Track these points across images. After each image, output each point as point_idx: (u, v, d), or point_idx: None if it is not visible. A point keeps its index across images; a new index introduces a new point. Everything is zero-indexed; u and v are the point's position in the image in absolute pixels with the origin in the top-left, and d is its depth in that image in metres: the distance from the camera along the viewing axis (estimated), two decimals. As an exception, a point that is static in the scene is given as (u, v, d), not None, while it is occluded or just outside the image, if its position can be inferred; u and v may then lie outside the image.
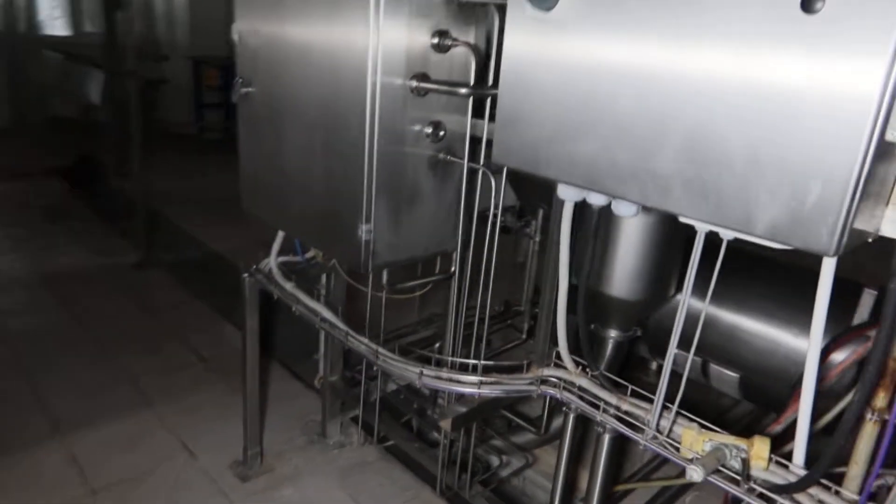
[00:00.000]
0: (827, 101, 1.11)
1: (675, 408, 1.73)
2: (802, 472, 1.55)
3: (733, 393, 2.55)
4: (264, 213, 2.53)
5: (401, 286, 2.36)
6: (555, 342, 2.01)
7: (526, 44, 1.57)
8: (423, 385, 2.02)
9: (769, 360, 2.32)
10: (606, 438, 1.95)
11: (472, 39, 2.04)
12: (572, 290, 1.91)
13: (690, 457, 1.68)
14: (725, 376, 2.48)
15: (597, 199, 1.66)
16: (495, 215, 2.17)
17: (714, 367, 2.51)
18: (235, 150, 2.49)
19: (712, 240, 1.47)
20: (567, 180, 1.59)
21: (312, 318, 2.42)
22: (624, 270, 1.98)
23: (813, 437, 1.57)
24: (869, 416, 1.55)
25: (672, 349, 1.71)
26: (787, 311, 2.26)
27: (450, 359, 2.15)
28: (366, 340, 2.21)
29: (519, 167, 1.68)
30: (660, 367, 1.96)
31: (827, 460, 1.44)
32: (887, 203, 1.27)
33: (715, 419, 1.81)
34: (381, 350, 2.13)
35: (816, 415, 1.90)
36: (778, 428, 1.97)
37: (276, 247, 2.67)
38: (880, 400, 1.53)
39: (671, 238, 1.95)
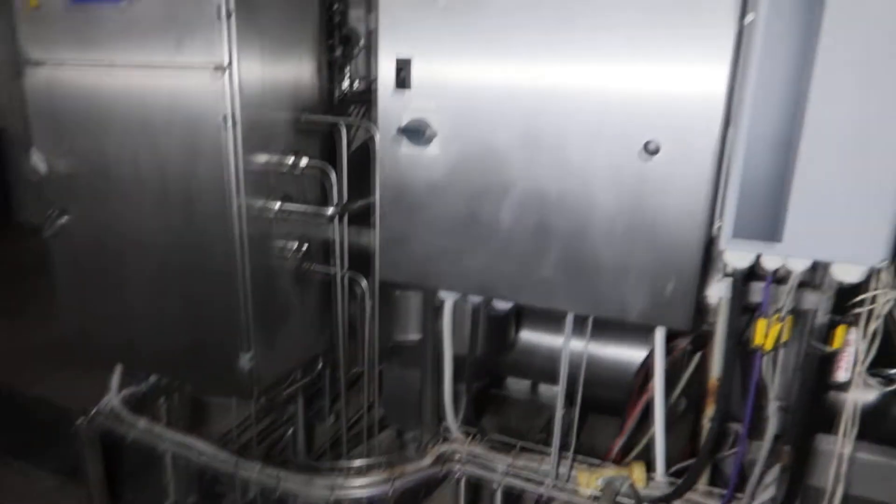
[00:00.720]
0: (672, 226, 1.46)
1: (571, 454, 2.01)
2: (666, 481, 1.94)
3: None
4: (100, 353, 2.29)
5: (274, 397, 2.33)
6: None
7: (404, 173, 1.71)
8: (335, 498, 2.04)
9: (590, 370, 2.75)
10: (499, 492, 2.18)
11: (317, 157, 2.11)
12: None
13: (589, 495, 1.98)
14: (552, 392, 2.87)
15: (477, 299, 1.87)
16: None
17: (542, 386, 2.89)
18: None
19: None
20: (460, 291, 1.77)
21: (186, 454, 2.26)
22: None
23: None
24: (706, 423, 1.99)
25: (561, 401, 1.98)
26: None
27: (342, 465, 2.18)
28: (258, 467, 2.14)
29: (408, 282, 1.82)
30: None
31: (694, 476, 1.84)
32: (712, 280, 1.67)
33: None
34: (283, 474, 2.09)
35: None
36: (622, 440, 2.39)
37: (115, 382, 2.42)
38: (709, 410, 1.98)
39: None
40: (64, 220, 2.15)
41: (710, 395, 1.97)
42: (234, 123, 1.79)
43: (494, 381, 2.89)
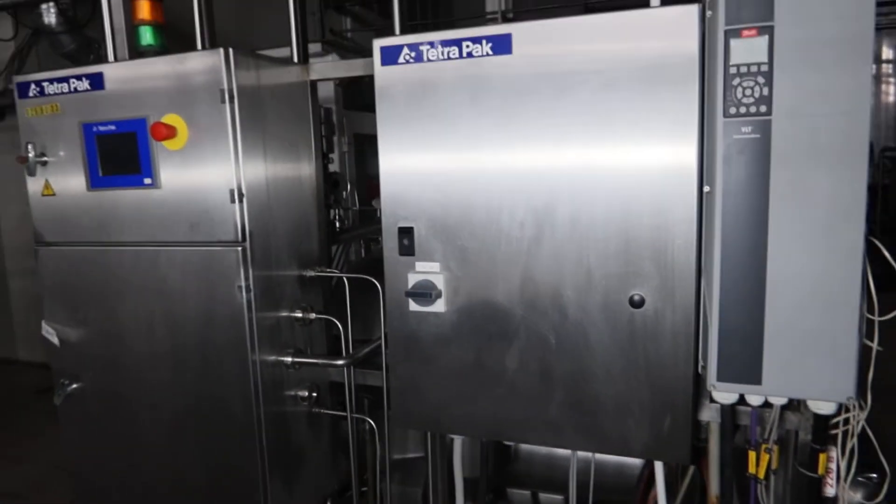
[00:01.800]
0: (663, 364, 1.63)
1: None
2: None
3: None
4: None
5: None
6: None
7: (412, 329, 1.86)
8: None
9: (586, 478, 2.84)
10: None
11: (320, 307, 2.25)
12: None
13: None
14: (552, 500, 2.94)
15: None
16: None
17: (542, 496, 2.95)
18: None
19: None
20: (471, 435, 1.89)
21: None
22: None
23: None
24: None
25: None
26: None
27: None
28: None
29: (420, 428, 1.93)
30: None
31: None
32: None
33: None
34: None
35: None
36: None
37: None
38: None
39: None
40: (74, 386, 2.22)
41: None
42: (249, 289, 1.93)
43: (496, 493, 2.95)
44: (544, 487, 2.80)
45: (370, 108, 1.85)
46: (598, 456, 2.52)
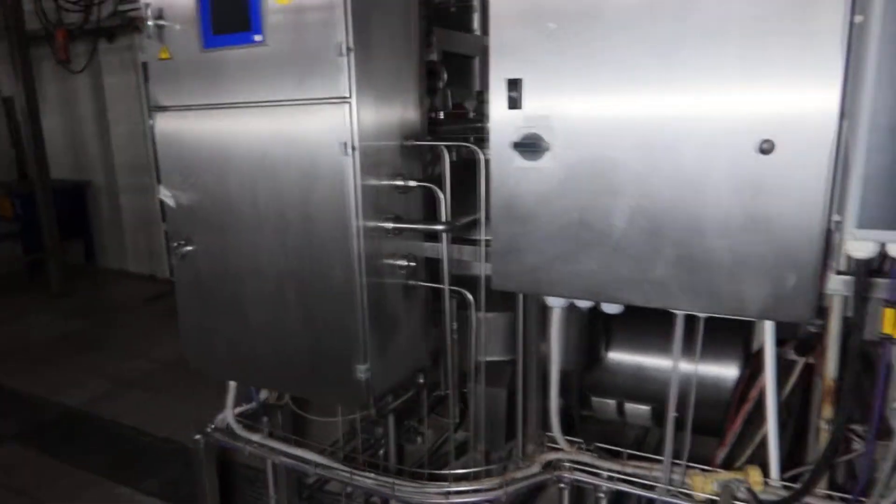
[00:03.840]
0: (790, 215, 1.51)
1: (684, 462, 2.03)
2: (781, 485, 1.93)
3: (646, 423, 2.94)
4: (219, 369, 2.44)
5: (383, 408, 2.42)
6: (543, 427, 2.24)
7: (515, 186, 1.82)
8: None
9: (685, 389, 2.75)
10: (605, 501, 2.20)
11: (419, 175, 2.24)
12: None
13: (703, 499, 1.99)
14: (639, 411, 2.87)
15: (586, 303, 1.94)
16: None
17: (628, 405, 2.89)
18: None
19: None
20: (570, 296, 1.85)
21: (302, 467, 2.37)
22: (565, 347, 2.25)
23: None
24: (822, 426, 1.98)
25: (671, 413, 2.02)
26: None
27: (448, 472, 2.24)
28: (373, 475, 2.23)
29: (520, 290, 1.91)
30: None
31: (814, 479, 1.83)
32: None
33: (637, 448, 2.15)
34: (397, 482, 2.17)
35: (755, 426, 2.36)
36: (725, 449, 2.39)
37: (230, 399, 2.57)
38: (826, 412, 1.98)
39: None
40: (189, 248, 2.33)
41: (826, 397, 1.97)
42: (354, 149, 1.94)
43: (580, 401, 2.92)
44: (631, 397, 2.75)
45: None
46: (691, 369, 2.47)
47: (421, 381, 2.52)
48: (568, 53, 1.68)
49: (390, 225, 2.10)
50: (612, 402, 2.90)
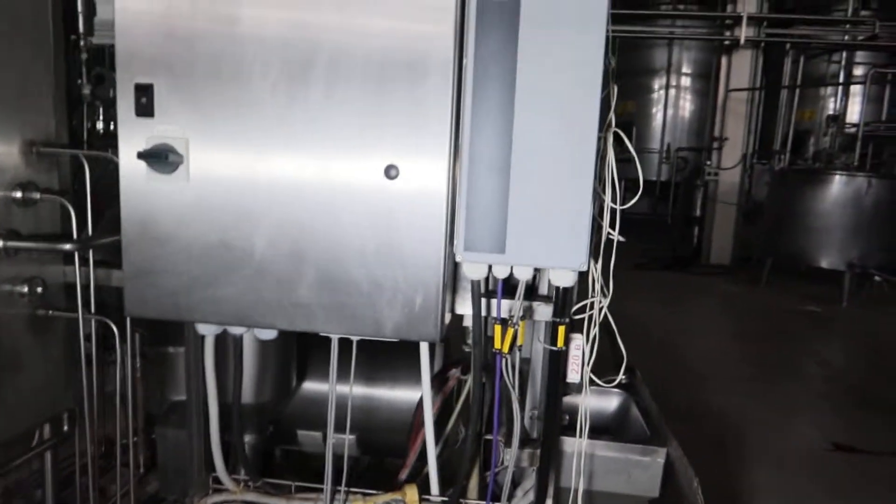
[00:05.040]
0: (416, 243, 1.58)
1: (343, 488, 2.00)
2: (440, 500, 2.01)
3: (353, 453, 2.94)
4: None
5: (10, 460, 2.01)
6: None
7: (148, 203, 1.64)
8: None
9: (378, 416, 2.79)
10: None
11: (55, 187, 1.94)
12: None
13: (364, 524, 1.98)
14: (344, 441, 2.86)
15: (238, 330, 1.83)
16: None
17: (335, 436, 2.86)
18: None
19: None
20: (214, 322, 1.71)
21: None
22: (252, 379, 2.15)
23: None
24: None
25: (330, 437, 1.98)
26: (384, 372, 2.76)
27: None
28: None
29: (159, 317, 1.72)
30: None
31: (459, 487, 1.93)
32: (455, 291, 1.81)
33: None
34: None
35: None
36: (407, 469, 2.44)
37: None
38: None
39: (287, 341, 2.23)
40: None
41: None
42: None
43: (285, 437, 2.80)
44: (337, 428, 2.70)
45: None
46: (385, 395, 2.51)
47: (66, 427, 2.15)
48: (201, 63, 1.57)
49: (0, 243, 1.76)
50: (317, 434, 2.82)
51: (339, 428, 2.69)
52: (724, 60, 9.81)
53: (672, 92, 11.85)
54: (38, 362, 1.95)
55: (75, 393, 2.10)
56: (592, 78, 1.45)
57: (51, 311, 1.95)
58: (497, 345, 1.66)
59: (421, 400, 2.48)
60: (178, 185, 1.62)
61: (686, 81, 11.84)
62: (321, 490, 2.06)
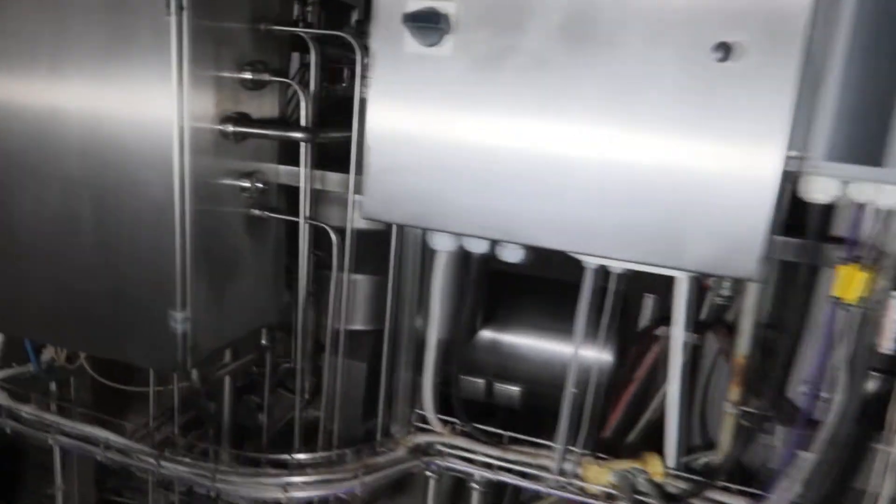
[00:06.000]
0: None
1: (578, 449, 1.69)
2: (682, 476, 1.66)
3: (515, 406, 2.64)
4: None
5: (208, 375, 1.88)
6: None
7: (404, 85, 1.35)
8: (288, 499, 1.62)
9: (547, 371, 2.45)
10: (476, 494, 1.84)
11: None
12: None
13: (596, 491, 1.67)
14: (509, 392, 2.56)
15: (478, 246, 1.52)
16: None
17: (498, 386, 2.57)
18: None
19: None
20: (476, 234, 1.42)
21: (88, 449, 1.76)
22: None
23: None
24: (729, 409, 1.72)
25: (570, 390, 1.67)
26: (557, 324, 2.39)
27: (289, 458, 1.75)
28: (188, 461, 1.69)
29: (404, 222, 1.45)
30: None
31: (726, 466, 1.56)
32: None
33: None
34: (221, 470, 1.64)
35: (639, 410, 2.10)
36: (609, 432, 2.11)
37: (-6, 359, 1.90)
38: (734, 394, 1.72)
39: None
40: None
41: (735, 376, 1.72)
42: (182, 8, 1.38)
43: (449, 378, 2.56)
44: (502, 378, 2.42)
45: None
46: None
47: (264, 342, 2.00)
48: None
49: (230, 128, 1.56)
50: (480, 382, 2.56)
51: (509, 378, 2.42)
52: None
53: None
54: (252, 267, 1.78)
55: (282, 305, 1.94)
56: None
57: (269, 213, 1.75)
58: (839, 292, 1.25)
59: (626, 359, 2.13)
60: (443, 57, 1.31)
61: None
62: (543, 446, 1.77)
